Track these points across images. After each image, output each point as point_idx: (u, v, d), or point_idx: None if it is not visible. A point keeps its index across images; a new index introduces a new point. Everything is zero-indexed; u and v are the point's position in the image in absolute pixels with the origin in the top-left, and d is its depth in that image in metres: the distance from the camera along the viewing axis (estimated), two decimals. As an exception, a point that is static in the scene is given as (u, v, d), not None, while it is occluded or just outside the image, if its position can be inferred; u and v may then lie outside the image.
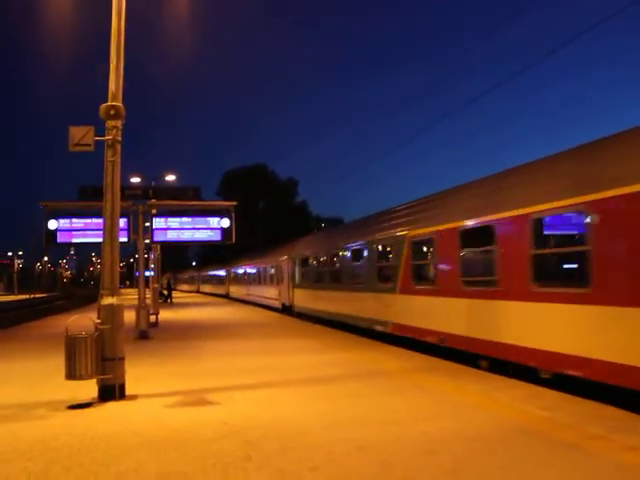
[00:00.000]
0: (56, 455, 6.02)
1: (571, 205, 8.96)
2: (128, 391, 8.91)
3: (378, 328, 16.53)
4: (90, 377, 8.55)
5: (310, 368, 11.32)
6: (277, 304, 31.32)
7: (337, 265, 20.90)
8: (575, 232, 10.05)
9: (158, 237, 18.50)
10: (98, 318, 8.82)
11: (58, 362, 8.91)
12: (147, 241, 18.88)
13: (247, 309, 33.24)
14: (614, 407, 7.50)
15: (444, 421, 7.04)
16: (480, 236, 11.38)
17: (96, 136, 9.38)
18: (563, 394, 8.40)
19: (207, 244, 20.36)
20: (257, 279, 39.52)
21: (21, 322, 28.61)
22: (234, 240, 18.54)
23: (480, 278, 11.44)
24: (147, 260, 31.09)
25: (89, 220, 17.92)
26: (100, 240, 9.45)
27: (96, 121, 9.45)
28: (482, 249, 11.62)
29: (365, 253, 17.82)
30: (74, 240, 18.19)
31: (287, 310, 28.74)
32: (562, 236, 10.75)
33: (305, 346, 14.92)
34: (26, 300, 68.98)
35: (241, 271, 47.48)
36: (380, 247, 17.07)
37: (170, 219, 18.53)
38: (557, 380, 9.14)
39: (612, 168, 8.41)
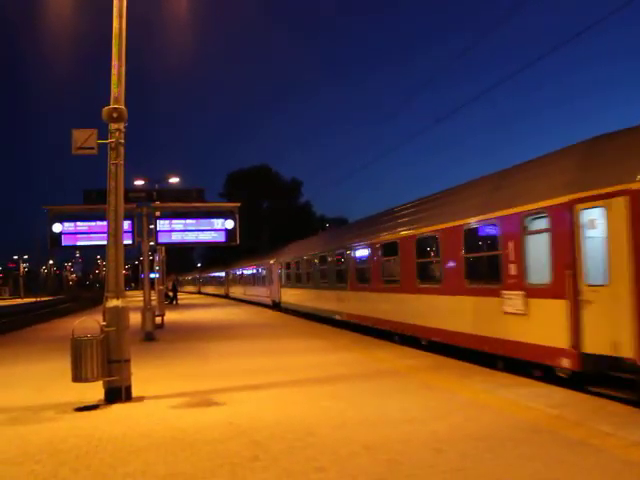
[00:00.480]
0: (64, 457, 6.04)
1: (486, 219, 11.49)
2: (134, 393, 8.93)
3: (337, 317, 21.26)
4: (96, 379, 8.57)
5: (316, 368, 11.32)
6: (268, 301, 35.92)
7: (310, 268, 25.62)
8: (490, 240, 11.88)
9: (162, 239, 18.53)
10: (104, 320, 8.84)
11: (64, 365, 8.93)
12: (152, 243, 18.91)
13: (250, 310, 33.26)
14: (620, 404, 7.49)
15: (451, 420, 7.03)
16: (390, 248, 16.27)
17: (99, 139, 9.42)
18: (570, 392, 8.39)
19: (211, 245, 20.40)
20: (252, 280, 43.84)
21: (27, 325, 28.73)
22: (238, 241, 18.55)
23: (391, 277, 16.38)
24: (152, 262, 31.20)
25: (93, 223, 17.95)
26: (105, 243, 9.47)
27: (99, 124, 9.50)
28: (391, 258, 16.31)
29: (328, 259, 22.81)
30: (79, 243, 18.23)
31: (277, 306, 33.21)
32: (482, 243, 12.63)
33: (311, 346, 14.92)
34: (32, 303, 69.18)
35: (238, 273, 51.48)
36: (337, 255, 21.75)
37: (174, 221, 18.55)
38: (564, 379, 9.13)
39: (508, 192, 11.09)
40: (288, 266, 30.50)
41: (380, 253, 17.02)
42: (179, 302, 45.30)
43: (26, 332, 24.06)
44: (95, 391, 8.75)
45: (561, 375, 9.20)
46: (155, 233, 18.18)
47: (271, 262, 35.37)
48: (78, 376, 8.50)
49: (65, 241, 17.92)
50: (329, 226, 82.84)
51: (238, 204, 19.01)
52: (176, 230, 18.50)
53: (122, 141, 9.33)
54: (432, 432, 6.49)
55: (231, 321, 25.33)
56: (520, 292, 10.19)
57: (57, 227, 17.76)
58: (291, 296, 29.90)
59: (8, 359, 14.41)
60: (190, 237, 18.65)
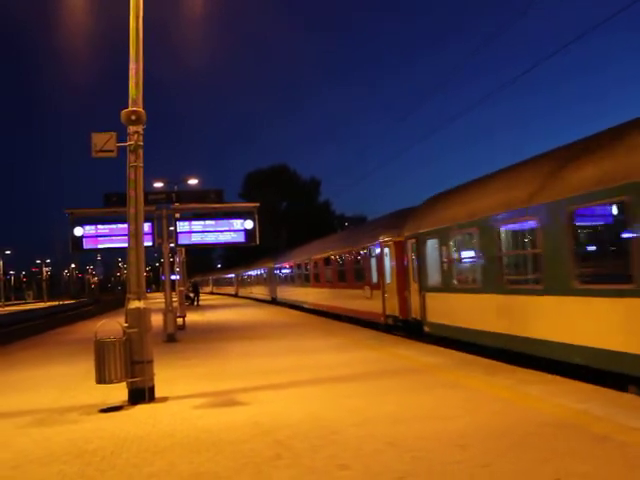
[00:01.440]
0: (90, 458, 6.11)
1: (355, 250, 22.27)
2: (158, 393, 9.01)
3: (305, 306, 31.27)
4: (120, 381, 8.66)
5: (338, 366, 11.33)
6: (268, 298, 44.62)
7: (293, 271, 35.41)
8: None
9: (182, 240, 18.63)
10: (126, 322, 8.92)
11: (88, 367, 9.05)
12: (172, 245, 19.03)
13: (269, 310, 33.38)
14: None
15: (475, 416, 6.99)
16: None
17: (118, 142, 9.50)
18: (596, 387, 8.29)
19: (231, 246, 20.49)
20: (256, 281, 52.81)
21: (51, 328, 29.11)
22: (258, 242, 18.59)
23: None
24: (172, 264, 31.40)
25: (114, 226, 18.11)
26: (125, 245, 9.56)
27: (118, 127, 9.58)
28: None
29: (300, 264, 32.94)
30: (100, 246, 18.40)
31: (274, 301, 42.08)
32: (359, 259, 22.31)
33: (331, 344, 14.93)
34: (55, 307, 70.07)
35: (245, 275, 60.27)
36: (305, 262, 31.59)
37: (194, 222, 18.63)
38: (589, 374, 9.04)
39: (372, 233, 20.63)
40: (280, 270, 40.34)
41: (319, 264, 28.01)
42: (200, 303, 45.52)
43: (50, 335, 24.39)
44: (119, 392, 8.85)
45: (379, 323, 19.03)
46: (175, 235, 18.29)
47: (269, 265, 44.49)
48: (102, 378, 8.60)
49: (87, 244, 18.10)
50: (347, 225, 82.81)
51: (257, 204, 19.03)
52: (196, 231, 18.58)
53: (141, 143, 9.41)
54: (456, 429, 6.46)
55: (251, 321, 25.48)
56: (368, 286, 20.15)
57: (78, 230, 17.94)
58: (283, 293, 39.28)
59: (33, 362, 14.63)
60: (210, 238, 18.72)
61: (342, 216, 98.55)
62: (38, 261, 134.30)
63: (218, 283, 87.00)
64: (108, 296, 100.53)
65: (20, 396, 9.98)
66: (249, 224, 18.33)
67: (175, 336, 17.92)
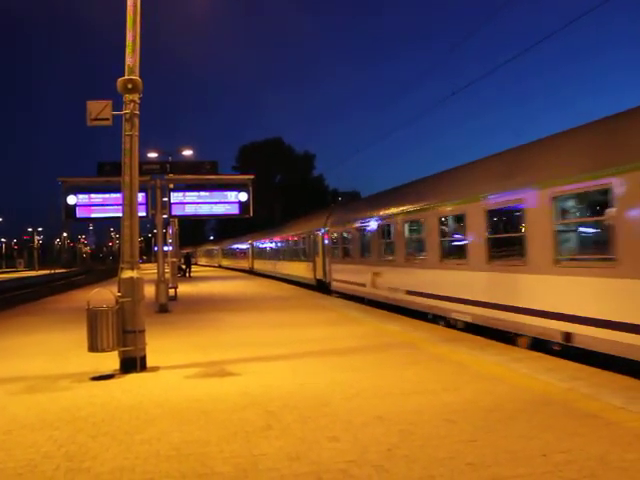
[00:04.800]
0: (81, 424, 6.17)
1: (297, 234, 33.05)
2: (149, 363, 9.07)
3: (268, 273, 41.20)
4: (112, 349, 8.70)
5: (329, 340, 11.42)
6: (247, 268, 53.08)
7: (263, 247, 45.42)
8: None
9: (176, 211, 18.55)
10: (119, 291, 8.94)
11: (81, 335, 9.08)
12: (165, 216, 18.97)
13: (261, 282, 33.52)
14: (634, 378, 7.50)
15: (464, 392, 7.09)
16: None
17: (114, 110, 9.41)
18: (583, 366, 8.40)
19: (225, 217, 20.53)
20: (238, 254, 60.49)
21: (43, 297, 29.11)
22: (252, 214, 18.55)
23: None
24: (165, 235, 31.32)
25: (107, 195, 17.98)
26: (119, 215, 9.54)
27: (114, 96, 9.49)
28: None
29: (265, 242, 44.01)
30: (93, 215, 18.29)
31: (250, 272, 49.96)
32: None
33: (323, 319, 15.02)
34: (47, 276, 69.98)
35: (228, 248, 68.38)
36: (270, 241, 41.77)
37: (188, 193, 18.53)
38: (577, 353, 9.15)
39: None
40: (256, 245, 49.12)
41: (279, 243, 38.48)
42: (192, 275, 45.61)
43: (42, 303, 24.41)
44: (111, 361, 8.90)
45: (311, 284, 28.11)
46: (169, 205, 18.20)
47: (249, 242, 51.71)
48: (94, 346, 8.64)
49: (79, 213, 18.00)
50: (341, 199, 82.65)
51: (252, 176, 18.91)
52: (189, 202, 18.49)
53: (137, 112, 9.33)
54: (444, 404, 6.55)
55: (242, 293, 25.62)
56: (307, 260, 29.35)
57: (72, 199, 17.83)
58: (259, 265, 47.54)
59: (25, 329, 14.65)
60: (204, 209, 18.63)
61: (335, 191, 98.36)
62: (30, 229, 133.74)
63: (207, 254, 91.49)
64: (100, 266, 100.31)
65: (12, 363, 10.02)
66: (243, 196, 18.25)
67: (167, 307, 17.98)
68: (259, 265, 47.04)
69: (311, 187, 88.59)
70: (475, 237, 12.14)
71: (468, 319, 12.47)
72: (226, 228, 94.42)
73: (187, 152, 30.15)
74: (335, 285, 23.69)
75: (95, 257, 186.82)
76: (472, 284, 12.30)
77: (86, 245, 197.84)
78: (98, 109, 9.38)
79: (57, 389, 7.94)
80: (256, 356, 9.89)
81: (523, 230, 10.62)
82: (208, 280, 39.59)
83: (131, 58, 9.30)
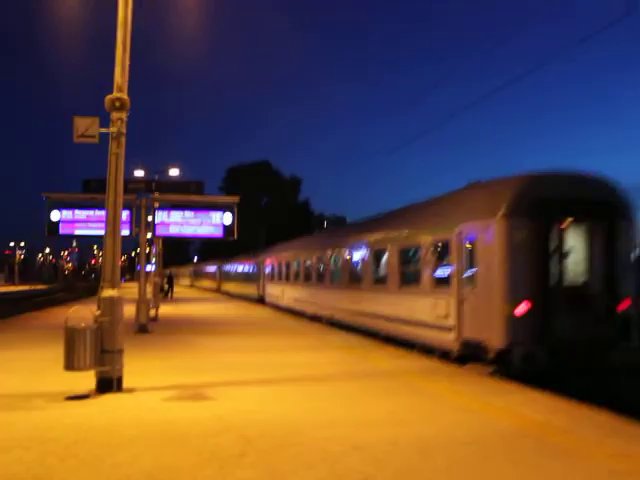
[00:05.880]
0: (52, 446, 6.04)
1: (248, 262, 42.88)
2: (126, 384, 8.92)
3: (230, 293, 49.09)
4: (88, 369, 8.56)
5: (307, 367, 11.34)
6: (215, 288, 58.90)
7: (230, 271, 51.31)
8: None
9: (160, 231, 18.46)
10: (98, 310, 8.83)
11: (57, 353, 8.92)
12: (149, 235, 18.87)
13: (243, 306, 33.41)
14: (608, 413, 7.51)
15: (439, 424, 7.05)
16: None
17: (101, 128, 9.39)
18: (559, 399, 8.41)
19: (209, 240, 20.47)
20: (206, 276, 67.48)
21: (21, 312, 28.69)
22: (236, 237, 18.49)
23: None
24: (149, 254, 31.15)
25: (92, 212, 17.89)
26: (102, 233, 9.46)
27: (101, 113, 9.47)
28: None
29: (228, 268, 52.06)
30: (77, 232, 18.18)
31: (218, 291, 56.24)
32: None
33: (303, 344, 14.94)
34: (27, 291, 69.09)
35: (199, 270, 77.97)
36: (230, 267, 51.39)
37: (172, 212, 18.44)
38: (554, 385, 9.17)
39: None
40: (223, 268, 55.57)
41: (236, 268, 47.51)
42: (175, 296, 45.18)
43: (20, 319, 24.04)
44: (87, 380, 8.74)
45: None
46: (153, 225, 18.12)
47: (217, 265, 59.73)
48: (70, 365, 8.49)
49: (63, 229, 17.87)
50: (327, 225, 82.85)
51: (237, 198, 18.87)
52: (174, 223, 18.42)
53: (123, 131, 9.31)
54: (420, 435, 6.50)
55: (224, 316, 25.52)
56: (254, 283, 38.54)
57: (55, 215, 17.71)
58: (225, 286, 53.35)
59: (1, 345, 14.39)
60: (188, 231, 18.55)
61: (322, 215, 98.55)
62: (12, 244, 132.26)
63: (180, 275, 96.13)
64: (82, 283, 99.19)
65: (-15, 379, 9.82)
66: (228, 219, 18.20)
67: (147, 327, 17.77)
68: (225, 286, 54.35)
69: (297, 211, 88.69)
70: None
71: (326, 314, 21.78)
72: (210, 249, 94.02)
73: (174, 171, 30.07)
74: (267, 299, 33.84)
75: (77, 274, 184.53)
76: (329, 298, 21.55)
77: (68, 262, 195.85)
78: (85, 125, 9.35)
79: (30, 408, 7.79)
80: (234, 380, 9.79)
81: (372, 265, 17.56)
82: (190, 302, 39.36)
83: (120, 76, 9.31)
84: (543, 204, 10.85)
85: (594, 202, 11.24)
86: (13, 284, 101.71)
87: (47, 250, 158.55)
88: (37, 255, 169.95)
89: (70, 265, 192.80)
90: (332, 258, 21.13)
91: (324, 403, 8.12)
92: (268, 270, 33.65)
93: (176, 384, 9.38)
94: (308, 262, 24.37)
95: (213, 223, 18.32)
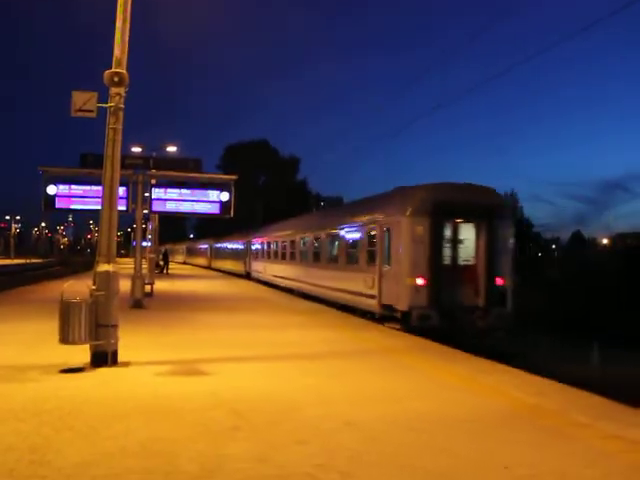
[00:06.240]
0: (47, 417, 6.10)
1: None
2: (121, 358, 8.97)
3: (225, 269, 49.47)
4: (83, 342, 8.62)
5: (300, 344, 11.43)
6: (206, 265, 61.37)
7: (220, 249, 54.26)
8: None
9: (157, 207, 18.42)
10: (93, 284, 8.86)
11: (52, 326, 8.97)
12: (145, 211, 18.84)
13: (240, 283, 33.44)
14: (600, 396, 7.61)
15: (431, 401, 7.13)
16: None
17: (99, 102, 9.34)
18: (551, 381, 8.50)
19: (205, 217, 20.53)
20: (199, 253, 70.50)
21: (16, 286, 28.71)
22: (232, 214, 18.47)
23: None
24: (145, 230, 31.12)
25: (88, 187, 17.82)
26: (99, 207, 9.45)
27: (99, 87, 9.42)
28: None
29: (218, 245, 56.31)
30: (72, 206, 18.12)
31: (209, 268, 58.75)
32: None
33: (297, 322, 15.03)
34: (22, 265, 69.05)
35: (192, 247, 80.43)
36: (218, 244, 56.06)
37: (169, 190, 18.38)
38: (546, 368, 9.27)
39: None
40: (215, 246, 57.96)
41: (225, 245, 51.68)
42: (170, 272, 45.26)
43: (16, 293, 24.07)
44: (82, 354, 8.79)
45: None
46: (150, 201, 18.07)
47: (208, 243, 63.18)
48: (65, 338, 8.54)
49: (59, 203, 17.81)
50: (324, 205, 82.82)
51: (235, 177, 18.86)
52: (171, 199, 18.36)
53: (122, 106, 9.26)
54: (412, 412, 6.58)
55: (215, 292, 25.75)
56: (241, 260, 41.95)
57: (52, 189, 17.64)
58: (216, 262, 56.18)
59: (-4, 318, 14.43)
60: (185, 207, 18.51)
61: (319, 196, 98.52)
62: (7, 217, 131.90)
63: (174, 252, 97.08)
64: (77, 258, 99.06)
65: (-20, 351, 9.87)
66: (225, 196, 18.18)
67: (142, 302, 17.82)
68: (216, 263, 57.12)
69: (294, 191, 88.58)
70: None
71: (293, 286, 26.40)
72: (206, 226, 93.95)
73: (171, 148, 29.94)
74: (252, 275, 37.74)
75: (72, 249, 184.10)
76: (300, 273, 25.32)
77: (64, 236, 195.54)
78: (83, 100, 9.30)
79: (25, 380, 7.83)
80: (228, 356, 9.86)
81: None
82: (186, 278, 39.42)
83: (119, 50, 9.24)
84: (437, 207, 14.57)
85: (478, 206, 14.94)
86: (8, 257, 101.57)
87: (43, 224, 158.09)
88: (33, 229, 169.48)
89: (66, 240, 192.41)
90: (302, 241, 25.45)
91: (316, 380, 8.21)
92: (254, 249, 37.93)
93: (170, 359, 9.44)
94: (285, 243, 28.69)
95: (210, 200, 18.30)
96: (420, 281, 14.34)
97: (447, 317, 14.05)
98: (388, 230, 15.62)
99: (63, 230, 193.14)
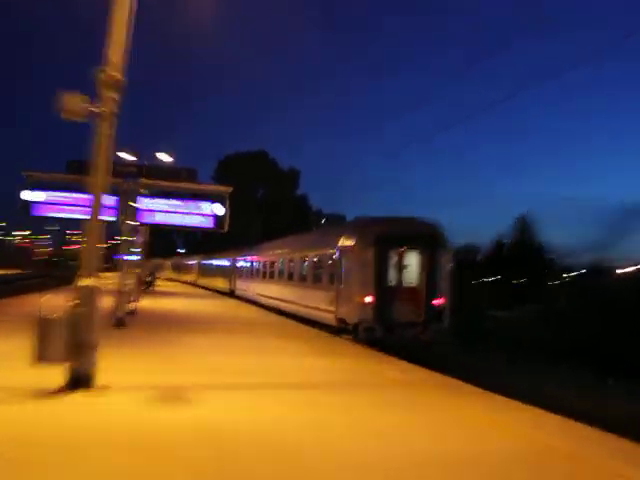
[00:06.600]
0: (2, 448, 5.97)
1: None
2: (98, 381, 8.81)
3: (211, 287, 52.46)
4: (60, 362, 8.49)
5: (293, 372, 11.36)
6: (193, 282, 65.10)
7: (207, 266, 57.94)
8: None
9: (145, 219, 18.21)
10: (74, 299, 8.76)
11: (26, 344, 8.85)
12: (134, 223, 18.68)
13: (226, 301, 33.95)
14: (617, 435, 7.53)
15: (439, 439, 7.02)
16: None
17: (91, 106, 9.29)
18: (566, 420, 8.40)
19: (198, 230, 20.35)
20: (185, 270, 75.01)
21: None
22: (227, 229, 18.27)
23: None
24: (133, 243, 30.89)
25: (68, 194, 17.50)
26: (80, 217, 9.39)
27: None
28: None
29: (205, 263, 60.93)
30: (50, 214, 17.91)
31: (195, 285, 62.38)
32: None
33: (289, 348, 15.04)
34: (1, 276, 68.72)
35: (179, 263, 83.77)
36: (214, 264, 55.42)
37: (159, 200, 18.14)
38: (561, 406, 9.20)
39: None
40: (203, 264, 61.37)
41: (212, 265, 55.23)
42: (155, 288, 45.22)
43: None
44: (58, 375, 8.65)
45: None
46: (137, 212, 17.87)
47: (196, 260, 66.23)
48: (41, 357, 8.44)
49: (35, 211, 17.54)
50: (325, 221, 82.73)
51: (230, 188, 18.59)
52: (161, 210, 18.16)
53: (115, 111, 9.24)
54: (417, 450, 6.50)
55: (205, 312, 25.95)
56: (227, 278, 45.57)
57: (27, 194, 17.33)
58: (203, 280, 59.14)
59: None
60: (176, 219, 18.21)
61: (320, 212, 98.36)
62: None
63: (160, 268, 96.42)
64: (55, 270, 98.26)
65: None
66: (219, 209, 17.90)
67: (124, 321, 17.70)
68: (202, 280, 61.13)
69: (294, 206, 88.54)
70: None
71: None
72: (198, 241, 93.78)
73: (164, 156, 29.74)
74: (237, 292, 40.94)
75: (49, 261, 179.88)
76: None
77: (45, 247, 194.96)
78: (74, 103, 9.27)
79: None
80: (212, 383, 9.81)
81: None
82: (171, 296, 39.38)
83: (114, 53, 9.24)
84: (379, 238, 18.31)
85: (420, 236, 18.70)
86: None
87: (20, 233, 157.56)
88: (12, 238, 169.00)
89: (49, 250, 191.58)
90: (280, 262, 29.70)
91: (311, 413, 8.11)
92: (239, 267, 42.30)
93: (151, 384, 9.33)
94: (266, 263, 32.83)
95: (203, 213, 18.10)
96: (369, 299, 17.81)
97: (389, 330, 17.64)
98: (343, 255, 19.43)
99: (43, 241, 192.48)
